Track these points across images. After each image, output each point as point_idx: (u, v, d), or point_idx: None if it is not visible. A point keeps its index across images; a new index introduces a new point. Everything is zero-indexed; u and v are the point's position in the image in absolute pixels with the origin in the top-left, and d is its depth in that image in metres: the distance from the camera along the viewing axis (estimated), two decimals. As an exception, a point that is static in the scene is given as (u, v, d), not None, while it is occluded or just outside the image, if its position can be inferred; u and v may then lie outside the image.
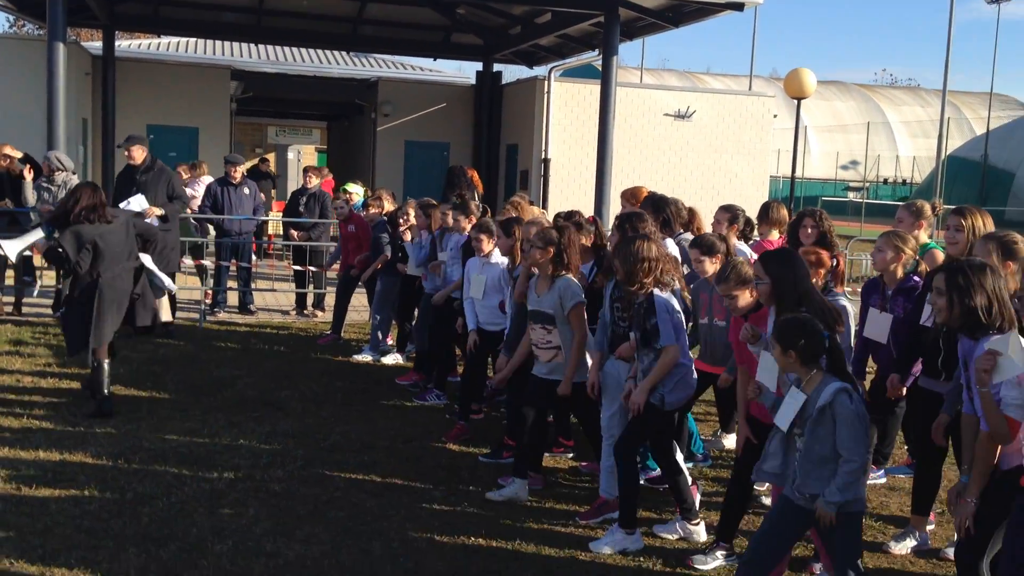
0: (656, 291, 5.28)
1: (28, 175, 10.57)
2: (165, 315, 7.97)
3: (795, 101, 16.06)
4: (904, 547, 5.42)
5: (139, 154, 10.08)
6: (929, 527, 5.61)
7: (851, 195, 41.01)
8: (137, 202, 9.74)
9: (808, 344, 4.11)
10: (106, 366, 7.35)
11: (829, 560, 4.25)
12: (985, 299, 4.10)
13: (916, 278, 5.77)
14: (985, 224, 5.54)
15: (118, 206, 9.39)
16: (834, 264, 5.71)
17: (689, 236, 7.54)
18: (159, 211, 9.89)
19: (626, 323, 5.49)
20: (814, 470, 4.10)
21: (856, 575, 4.14)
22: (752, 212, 8.13)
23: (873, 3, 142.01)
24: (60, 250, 7.15)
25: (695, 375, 5.56)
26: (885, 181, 45.80)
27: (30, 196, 10.53)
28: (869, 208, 33.78)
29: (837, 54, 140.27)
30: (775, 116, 21.82)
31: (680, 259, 6.71)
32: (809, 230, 6.83)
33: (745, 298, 5.07)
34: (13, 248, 8.29)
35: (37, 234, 8.44)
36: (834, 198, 39.13)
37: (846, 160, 45.19)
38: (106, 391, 7.37)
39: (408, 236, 9.23)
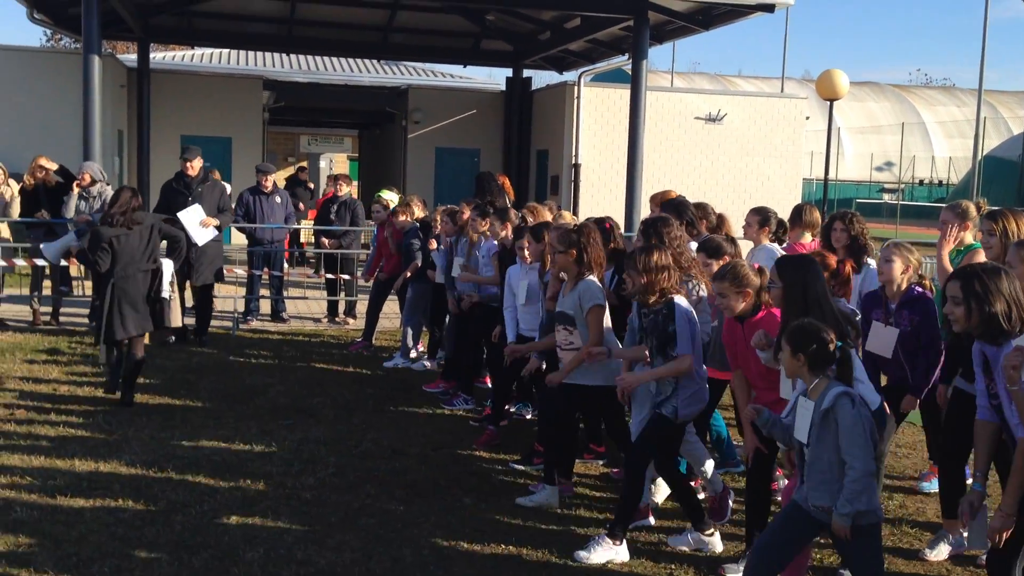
0: (677, 298, 5.24)
1: (76, 188, 10.77)
2: (175, 320, 8.51)
3: (828, 103, 15.93)
4: (939, 553, 5.33)
5: (199, 165, 10.38)
6: (964, 532, 5.51)
7: (886, 197, 40.52)
8: (195, 211, 10.02)
9: (819, 350, 4.03)
10: (105, 355, 8.19)
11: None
12: (1004, 304, 4.02)
13: (919, 289, 5.60)
14: (1019, 227, 5.42)
15: (176, 215, 9.67)
16: (839, 268, 5.57)
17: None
18: (215, 221, 10.17)
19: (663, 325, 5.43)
20: (824, 480, 4.00)
21: None
22: (785, 215, 8.04)
23: (906, 2, 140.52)
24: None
25: (707, 390, 5.51)
26: (921, 182, 45.23)
27: (72, 207, 10.71)
28: (904, 210, 33.41)
29: (870, 54, 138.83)
30: (807, 118, 21.64)
31: None
32: (839, 233, 6.72)
33: (737, 301, 4.96)
34: (52, 252, 9.22)
35: (70, 239, 8.94)
36: (869, 200, 38.68)
37: (880, 161, 44.63)
38: (108, 376, 8.23)
39: (434, 244, 9.24)
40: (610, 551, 5.19)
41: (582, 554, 5.17)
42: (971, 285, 4.07)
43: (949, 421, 5.33)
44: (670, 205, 7.31)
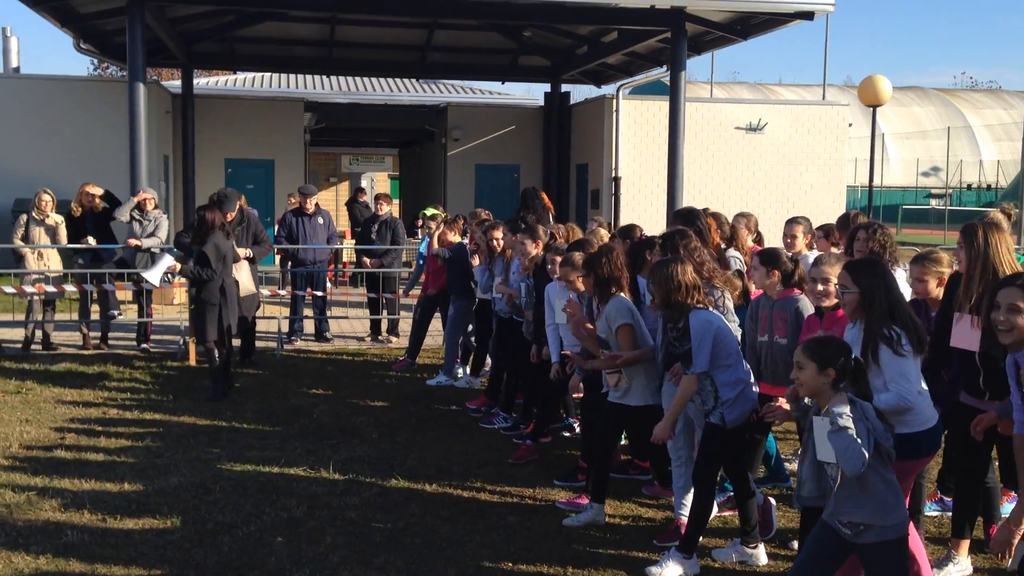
0: (693, 315, 5.18)
1: (136, 199, 11.16)
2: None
3: (871, 109, 15.74)
4: (946, 574, 5.12)
5: (234, 213, 10.41)
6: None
7: (933, 202, 39.91)
8: (157, 271, 10.34)
9: (847, 362, 3.86)
10: (216, 354, 8.91)
11: None
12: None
13: None
14: (990, 239, 4.99)
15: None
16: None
17: (734, 252, 7.38)
18: (247, 253, 10.33)
19: (679, 343, 5.37)
20: (852, 495, 3.86)
21: None
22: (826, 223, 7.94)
23: (949, 5, 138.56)
24: (192, 264, 8.86)
25: (756, 389, 5.42)
26: (969, 187, 44.46)
27: (127, 213, 10.97)
28: (952, 215, 32.83)
29: (914, 58, 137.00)
30: (850, 125, 21.40)
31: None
32: (860, 243, 6.22)
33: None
34: (155, 276, 9.50)
35: (168, 259, 9.48)
36: (915, 206, 38.14)
37: (927, 167, 43.96)
38: (219, 375, 8.95)
39: (476, 260, 9.26)
40: (682, 565, 5.16)
41: (654, 570, 5.13)
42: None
43: (963, 439, 5.08)
44: (679, 216, 7.20)
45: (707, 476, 5.27)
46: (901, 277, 6.43)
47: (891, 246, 6.14)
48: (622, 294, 5.85)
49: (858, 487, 3.86)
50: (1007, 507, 6.05)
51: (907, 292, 6.35)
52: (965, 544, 5.21)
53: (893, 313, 4.27)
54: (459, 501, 6.29)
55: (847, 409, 3.79)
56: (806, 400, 4.05)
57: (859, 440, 3.71)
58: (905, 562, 3.97)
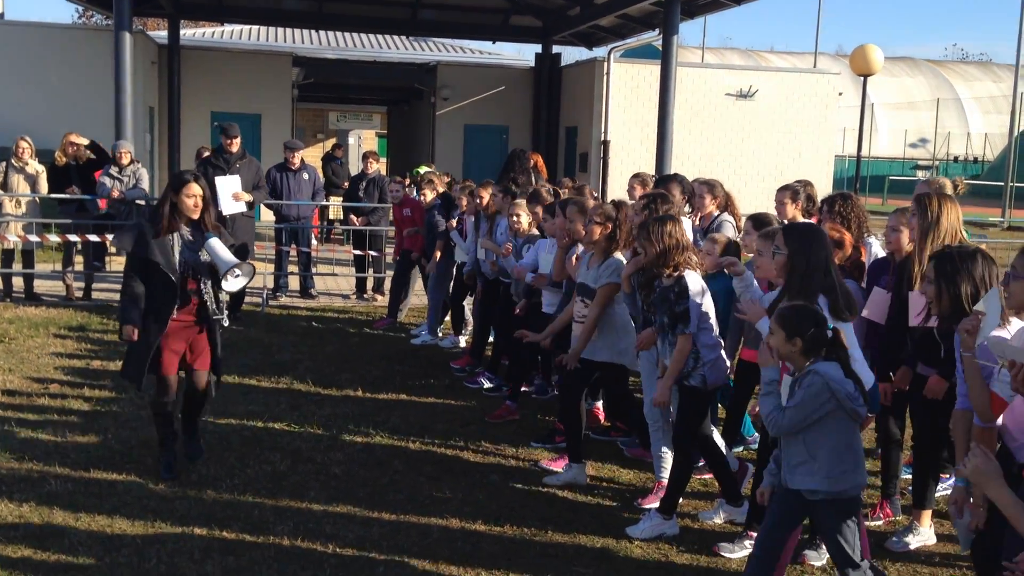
0: (688, 275, 5.18)
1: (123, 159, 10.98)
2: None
3: (861, 78, 15.72)
4: (906, 544, 5.17)
5: (239, 142, 10.43)
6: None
7: (920, 174, 39.98)
8: (233, 182, 10.10)
9: (816, 334, 3.85)
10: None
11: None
12: (971, 287, 3.99)
13: None
14: (941, 210, 5.02)
15: (214, 180, 9.86)
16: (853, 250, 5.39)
17: (728, 217, 7.43)
18: (248, 197, 10.22)
19: (677, 302, 5.36)
20: (803, 462, 3.92)
21: (855, 571, 3.92)
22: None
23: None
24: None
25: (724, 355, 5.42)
26: (956, 159, 44.55)
27: (108, 181, 10.84)
28: (939, 187, 32.85)
29: (906, 29, 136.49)
30: (840, 94, 21.37)
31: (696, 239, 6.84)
32: (824, 214, 6.42)
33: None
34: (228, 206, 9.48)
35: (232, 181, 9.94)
36: (902, 177, 38.21)
37: (915, 138, 43.98)
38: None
39: (454, 223, 9.27)
40: (661, 526, 5.22)
41: (635, 530, 5.20)
42: (943, 266, 4.06)
43: (923, 409, 5.06)
44: (657, 183, 7.26)
45: (687, 438, 5.31)
46: (876, 245, 6.47)
47: (863, 217, 6.15)
48: (620, 255, 5.87)
49: (808, 454, 3.89)
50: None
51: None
52: (927, 514, 5.24)
53: (812, 278, 4.33)
54: (442, 459, 6.33)
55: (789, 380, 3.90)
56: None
57: (792, 405, 3.87)
58: (854, 522, 3.99)
